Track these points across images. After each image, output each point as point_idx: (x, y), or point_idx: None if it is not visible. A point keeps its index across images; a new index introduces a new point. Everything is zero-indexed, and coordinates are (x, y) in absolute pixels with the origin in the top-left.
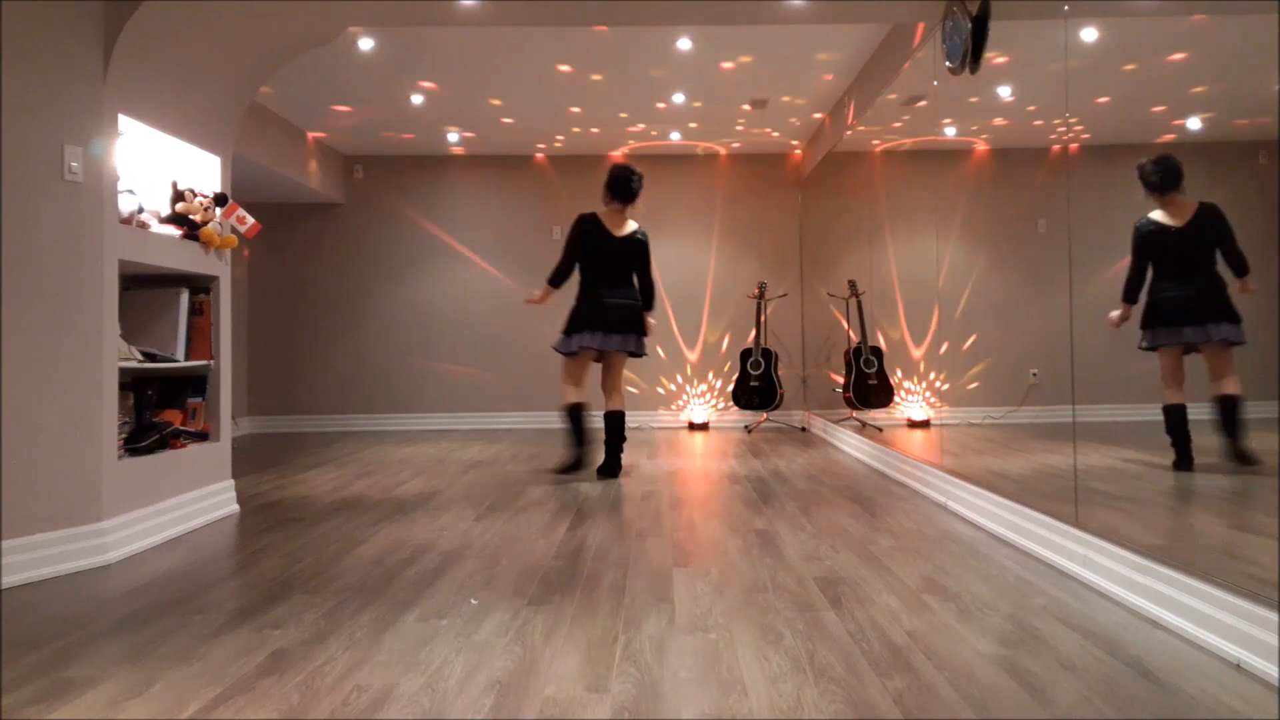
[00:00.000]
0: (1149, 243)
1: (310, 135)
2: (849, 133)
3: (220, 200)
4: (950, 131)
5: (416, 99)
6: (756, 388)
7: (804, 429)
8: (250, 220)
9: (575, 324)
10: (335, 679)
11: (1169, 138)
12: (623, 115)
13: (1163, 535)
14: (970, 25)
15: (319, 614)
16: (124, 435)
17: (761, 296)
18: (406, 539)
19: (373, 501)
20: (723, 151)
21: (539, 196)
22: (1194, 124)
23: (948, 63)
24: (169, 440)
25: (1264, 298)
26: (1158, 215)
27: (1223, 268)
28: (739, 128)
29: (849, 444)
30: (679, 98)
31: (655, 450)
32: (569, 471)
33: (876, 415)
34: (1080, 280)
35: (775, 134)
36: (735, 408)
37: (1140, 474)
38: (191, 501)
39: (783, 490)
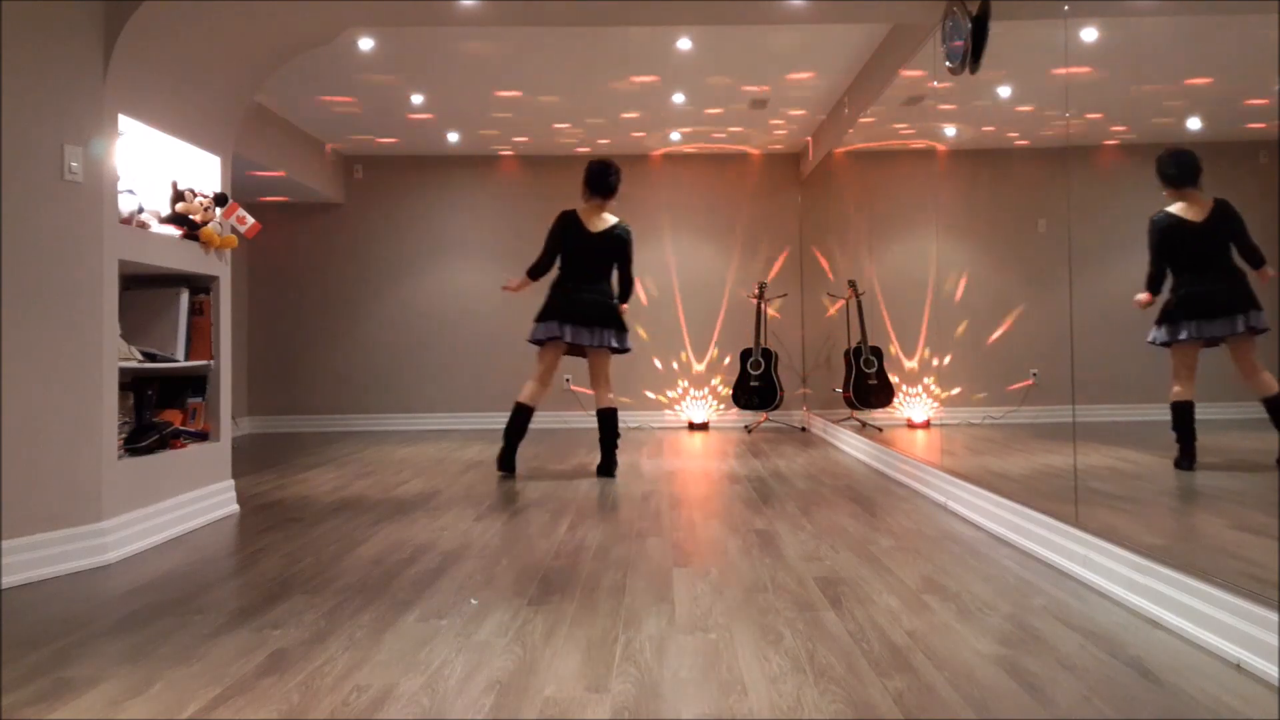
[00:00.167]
0: (1169, 236)
1: (310, 135)
2: (849, 132)
3: (220, 200)
4: (950, 131)
5: (416, 99)
6: (756, 388)
7: (804, 429)
8: (250, 220)
9: (543, 313)
10: (335, 679)
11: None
12: (622, 116)
13: (1163, 535)
14: (970, 25)
15: (319, 614)
16: (124, 435)
17: (761, 296)
18: (406, 539)
19: (373, 501)
20: (723, 152)
21: (539, 197)
22: (1194, 124)
23: (948, 63)
24: (169, 440)
25: (1265, 298)
26: (1176, 209)
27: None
28: (739, 128)
29: (849, 444)
30: (679, 98)
31: (655, 450)
32: (500, 469)
33: (876, 415)
34: (1080, 280)
35: (775, 134)
36: (735, 408)
37: (1140, 474)
38: (191, 501)
39: (783, 490)
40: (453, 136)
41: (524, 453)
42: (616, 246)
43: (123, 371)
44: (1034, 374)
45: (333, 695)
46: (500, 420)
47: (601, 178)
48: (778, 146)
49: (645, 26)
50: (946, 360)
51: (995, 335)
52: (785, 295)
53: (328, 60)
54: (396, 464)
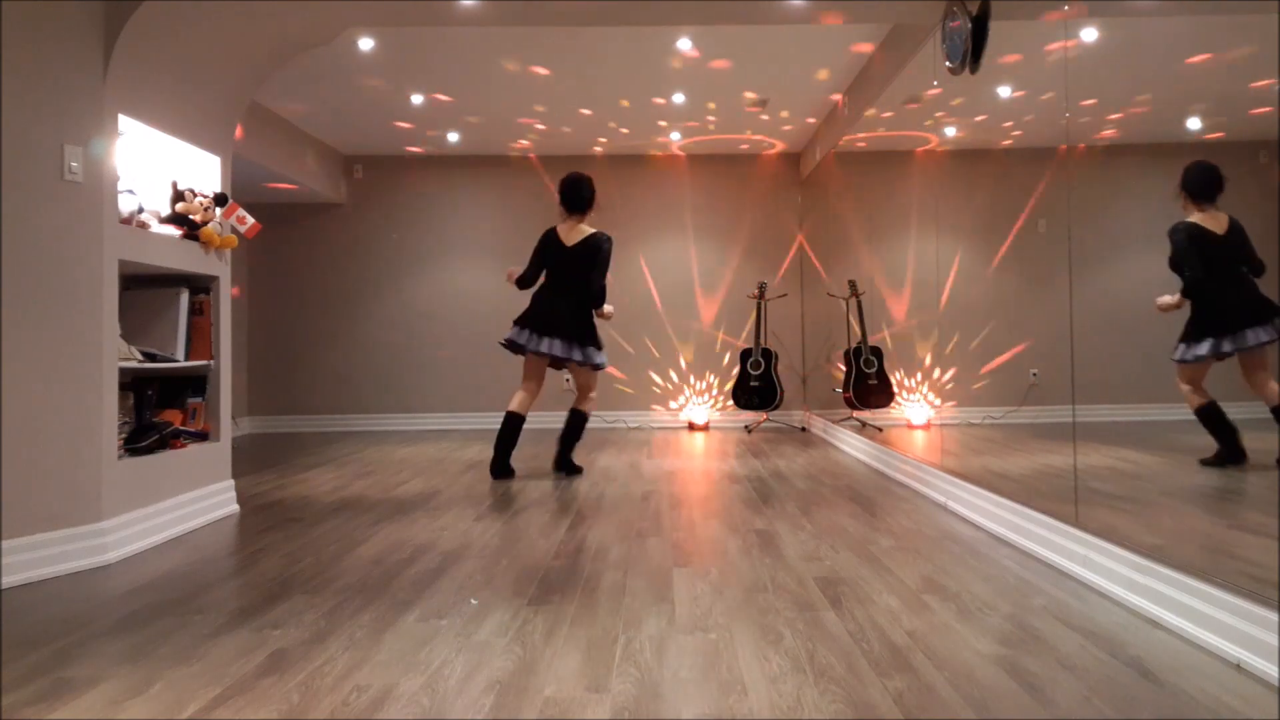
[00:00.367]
0: (1200, 244)
1: (310, 135)
2: (849, 133)
3: (220, 200)
4: (950, 131)
5: (416, 99)
6: (756, 388)
7: (804, 429)
8: (250, 220)
9: (517, 319)
10: (335, 679)
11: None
12: (622, 116)
13: (1163, 535)
14: (970, 25)
15: (319, 614)
16: (124, 435)
17: (761, 296)
18: (406, 539)
19: (373, 501)
20: (722, 152)
21: (538, 197)
22: (1194, 123)
23: (948, 63)
24: (169, 440)
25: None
26: (1198, 219)
27: None
28: (739, 128)
29: (849, 444)
30: (679, 98)
31: (655, 450)
32: (495, 476)
33: (876, 415)
34: (1080, 280)
35: (775, 134)
36: (735, 407)
37: (1140, 474)
38: (191, 501)
39: (783, 490)
40: (453, 136)
41: (524, 452)
42: (588, 255)
43: (123, 371)
44: (1034, 374)
45: (333, 695)
46: (500, 420)
47: (574, 192)
48: (778, 146)
49: (646, 26)
50: (946, 359)
51: (995, 335)
52: (785, 295)
53: (328, 60)
54: (396, 464)
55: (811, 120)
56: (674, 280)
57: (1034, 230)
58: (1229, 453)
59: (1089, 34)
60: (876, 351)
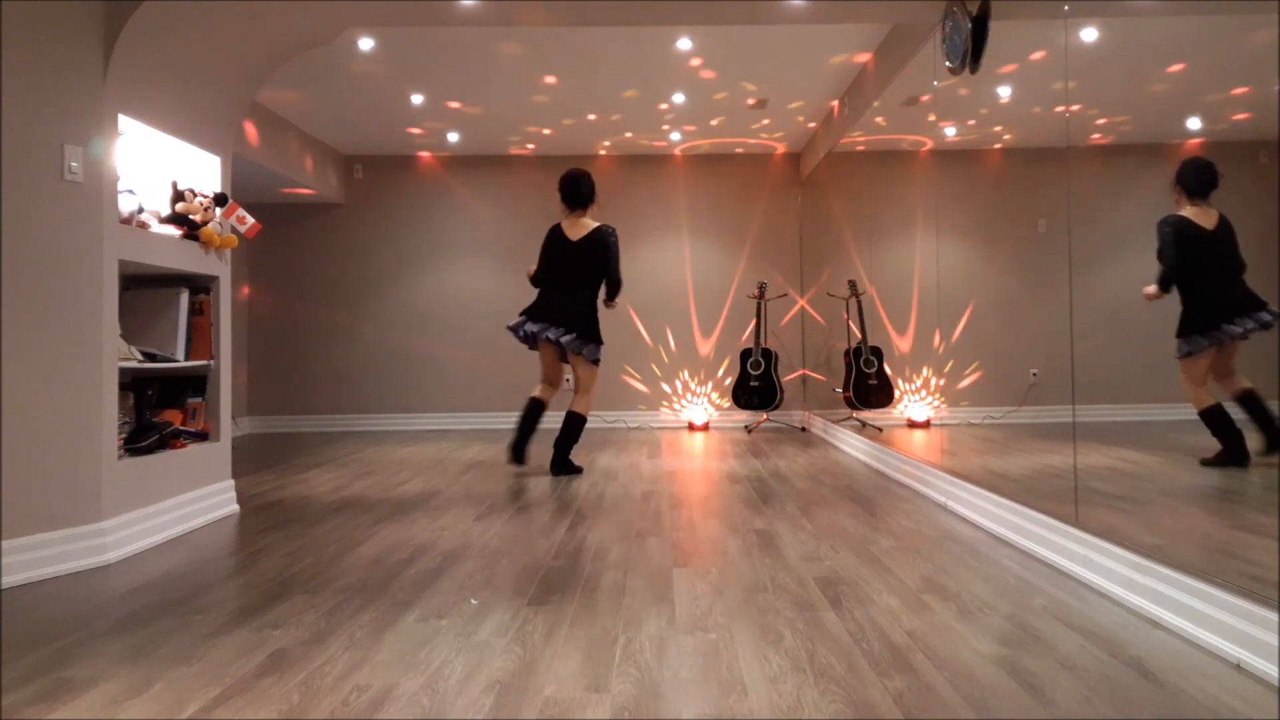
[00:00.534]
0: (1187, 239)
1: (310, 135)
2: (849, 132)
3: (220, 200)
4: (950, 131)
5: (416, 99)
6: (756, 388)
7: (804, 429)
8: (250, 220)
9: (523, 310)
10: (335, 679)
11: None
12: (622, 116)
13: (1163, 535)
14: (970, 25)
15: (319, 614)
16: (124, 435)
17: (761, 296)
18: (406, 539)
19: (373, 501)
20: (722, 152)
21: (538, 197)
22: (1194, 123)
23: (948, 63)
24: (169, 440)
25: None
26: (1188, 214)
27: None
28: (739, 128)
29: (849, 444)
30: (679, 98)
31: (655, 450)
32: (510, 460)
33: (876, 415)
34: (1080, 280)
35: (775, 134)
36: (735, 407)
37: (1140, 474)
38: (191, 501)
39: (783, 490)
40: (453, 136)
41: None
42: (596, 250)
43: (123, 371)
44: (1034, 374)
45: (333, 695)
46: (500, 420)
47: (574, 188)
48: (778, 146)
49: (645, 26)
50: (946, 359)
51: (995, 335)
52: (784, 295)
53: (328, 60)
54: (396, 464)
55: (811, 120)
56: (674, 280)
57: (1034, 230)
58: (1232, 455)
59: (1089, 34)
60: (876, 351)
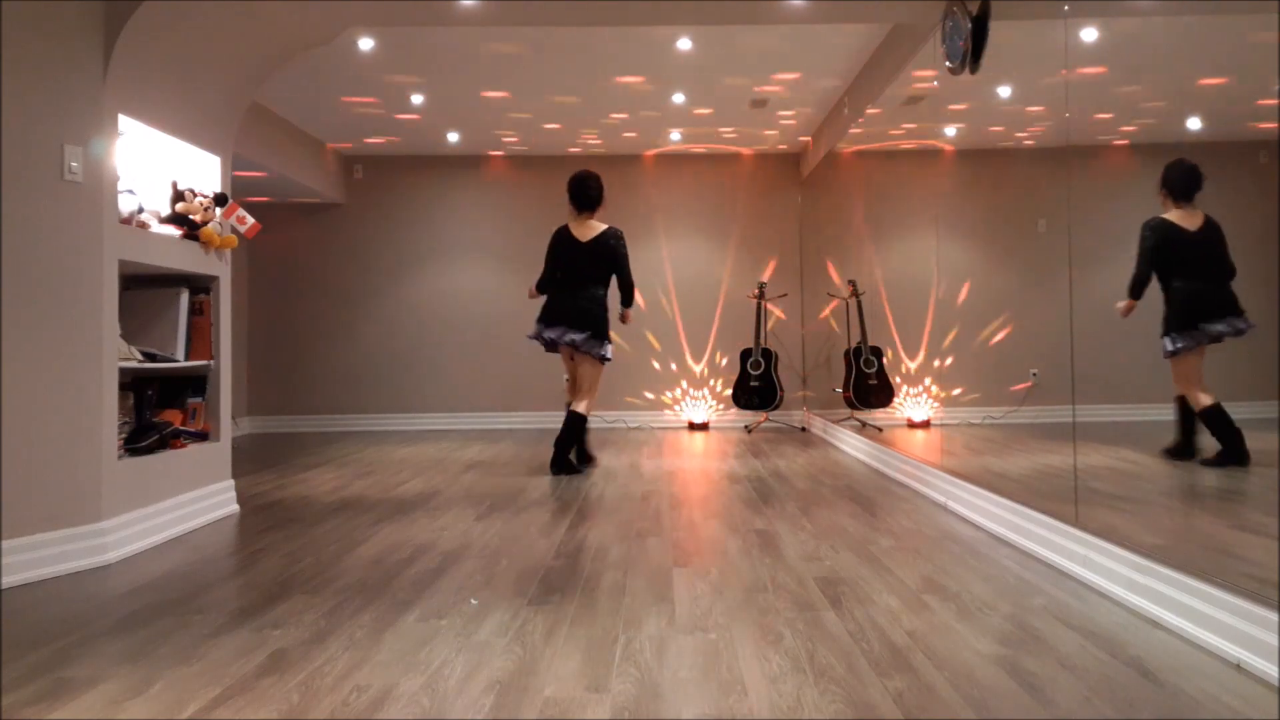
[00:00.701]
0: (1168, 240)
1: (310, 135)
2: (849, 132)
3: (220, 200)
4: (950, 131)
5: (416, 99)
6: (756, 388)
7: (804, 429)
8: (250, 220)
9: (538, 317)
10: (335, 679)
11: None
12: (622, 116)
13: (1163, 535)
14: (970, 25)
15: (319, 614)
16: (124, 435)
17: (761, 296)
18: (406, 539)
19: (373, 501)
20: (722, 152)
21: (538, 197)
22: (1194, 124)
23: (948, 63)
24: (169, 440)
25: (1265, 298)
26: (1172, 216)
27: None
28: (738, 128)
29: (849, 444)
30: (679, 98)
31: (655, 450)
32: (571, 470)
33: (876, 415)
34: (1080, 280)
35: (775, 134)
36: (735, 407)
37: (1140, 474)
38: (191, 501)
39: (783, 490)
40: (452, 136)
41: (524, 452)
42: (606, 252)
43: (123, 371)
44: (1034, 374)
45: (333, 695)
46: (500, 420)
47: (582, 190)
48: (778, 146)
49: (645, 26)
50: (948, 361)
51: (996, 335)
52: (785, 295)
53: (327, 60)
54: (396, 464)
55: (811, 120)
56: (673, 280)
57: (1034, 230)
58: (1232, 455)
59: (1089, 34)
60: (876, 351)
